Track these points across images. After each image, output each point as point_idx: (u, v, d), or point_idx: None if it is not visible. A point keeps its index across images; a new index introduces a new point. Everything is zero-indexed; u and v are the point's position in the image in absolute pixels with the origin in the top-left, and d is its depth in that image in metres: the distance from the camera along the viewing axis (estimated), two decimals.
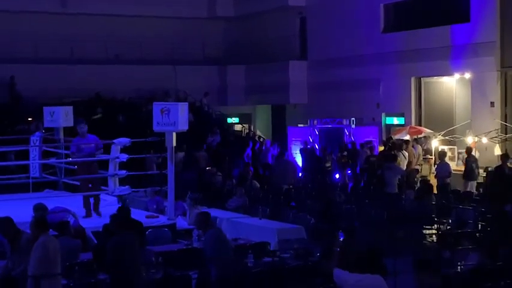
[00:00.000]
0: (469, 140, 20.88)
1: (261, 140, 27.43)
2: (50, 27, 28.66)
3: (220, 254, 9.51)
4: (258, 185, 19.12)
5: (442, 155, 19.57)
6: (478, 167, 18.81)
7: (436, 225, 14.99)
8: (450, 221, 14.74)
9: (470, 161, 18.72)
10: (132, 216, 13.71)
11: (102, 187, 14.48)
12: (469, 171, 18.61)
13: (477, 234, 13.59)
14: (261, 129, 31.49)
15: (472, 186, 18.54)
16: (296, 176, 20.97)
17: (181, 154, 21.02)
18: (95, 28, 29.32)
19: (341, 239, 10.25)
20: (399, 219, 14.68)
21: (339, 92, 26.78)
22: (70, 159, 15.74)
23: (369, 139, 23.31)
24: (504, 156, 17.77)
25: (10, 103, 26.86)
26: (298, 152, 24.84)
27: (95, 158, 13.71)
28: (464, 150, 19.72)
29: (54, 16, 29.02)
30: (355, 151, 22.30)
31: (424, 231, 14.48)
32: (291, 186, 19.30)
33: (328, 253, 8.25)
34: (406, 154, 20.51)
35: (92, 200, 13.90)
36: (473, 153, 19.26)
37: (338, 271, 7.59)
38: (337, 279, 7.62)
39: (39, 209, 11.31)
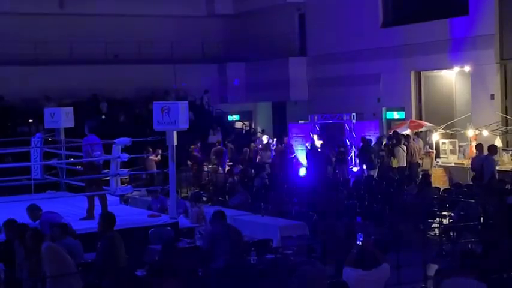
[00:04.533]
0: (470, 133, 20.89)
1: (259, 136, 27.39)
2: (49, 28, 28.65)
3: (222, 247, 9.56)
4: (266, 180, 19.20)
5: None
6: None
7: (438, 219, 15.00)
8: (452, 214, 14.74)
9: None
10: (135, 216, 13.78)
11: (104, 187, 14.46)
12: None
13: (480, 227, 13.60)
14: (262, 126, 31.49)
15: None
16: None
17: None
18: (93, 28, 29.30)
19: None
20: (401, 213, 14.69)
21: (339, 88, 26.78)
22: (73, 160, 15.79)
23: (370, 133, 23.28)
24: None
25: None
26: (299, 148, 24.86)
27: (98, 158, 13.66)
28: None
29: (52, 17, 29.02)
30: (368, 146, 21.95)
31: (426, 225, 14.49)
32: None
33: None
34: (405, 148, 20.51)
35: (96, 201, 13.78)
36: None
37: (345, 268, 7.65)
38: (344, 275, 7.68)
39: (34, 209, 11.33)
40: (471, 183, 17.49)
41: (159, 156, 21.45)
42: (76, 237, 10.46)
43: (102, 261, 8.98)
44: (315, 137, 24.33)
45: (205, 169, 22.77)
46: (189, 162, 22.64)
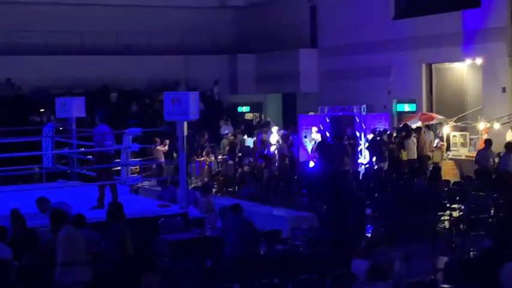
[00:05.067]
0: (481, 126, 20.83)
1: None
2: (60, 18, 28.74)
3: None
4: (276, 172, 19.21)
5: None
6: None
7: (448, 212, 14.97)
8: (463, 207, 14.71)
9: None
10: (145, 205, 13.82)
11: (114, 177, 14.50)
12: None
13: (490, 220, 13.58)
14: (272, 118, 31.51)
15: None
16: None
17: None
18: (104, 19, 29.38)
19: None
20: (411, 205, 14.67)
21: (350, 80, 26.73)
22: (84, 149, 15.87)
23: (380, 126, 23.22)
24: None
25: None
26: (307, 140, 24.82)
27: (108, 148, 13.70)
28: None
29: (64, 7, 29.10)
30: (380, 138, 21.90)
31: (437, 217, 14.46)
32: None
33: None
34: (415, 140, 20.45)
35: (107, 191, 13.80)
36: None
37: (355, 260, 7.69)
38: (353, 268, 7.72)
39: (43, 201, 11.37)
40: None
41: (166, 147, 21.53)
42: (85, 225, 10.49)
43: (111, 251, 9.01)
44: (314, 129, 24.14)
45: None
46: (174, 155, 22.64)
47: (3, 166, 15.63)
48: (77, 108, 16.67)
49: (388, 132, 22.14)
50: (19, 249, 9.23)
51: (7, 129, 17.56)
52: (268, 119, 29.55)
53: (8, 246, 9.07)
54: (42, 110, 25.52)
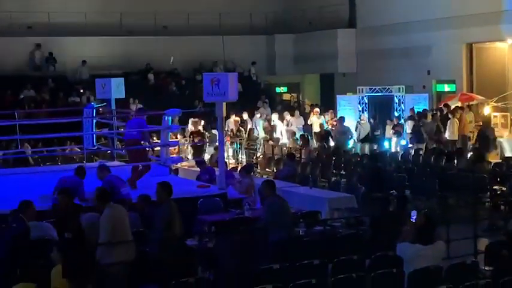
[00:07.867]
0: None
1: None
2: (99, 1, 28.92)
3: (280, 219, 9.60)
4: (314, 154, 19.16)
5: None
6: None
7: (489, 193, 14.81)
8: (504, 188, 14.54)
9: None
10: (184, 186, 13.89)
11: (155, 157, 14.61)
12: None
13: None
14: (310, 98, 31.40)
15: None
16: None
17: None
18: (143, 0, 29.46)
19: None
20: (451, 187, 14.55)
21: (389, 60, 26.49)
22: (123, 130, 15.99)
23: (420, 107, 22.97)
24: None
25: None
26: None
27: (148, 129, 13.75)
28: None
29: None
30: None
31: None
32: None
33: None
34: (458, 120, 20.21)
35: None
36: None
37: (400, 244, 7.65)
38: (399, 251, 7.68)
39: (104, 169, 11.58)
40: None
41: (201, 127, 21.61)
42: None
43: (161, 230, 9.05)
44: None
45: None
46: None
47: (44, 146, 15.84)
48: (116, 89, 16.79)
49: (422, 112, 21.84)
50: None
51: (48, 109, 17.76)
52: (311, 103, 29.28)
53: (52, 226, 9.19)
54: (82, 90, 25.77)
